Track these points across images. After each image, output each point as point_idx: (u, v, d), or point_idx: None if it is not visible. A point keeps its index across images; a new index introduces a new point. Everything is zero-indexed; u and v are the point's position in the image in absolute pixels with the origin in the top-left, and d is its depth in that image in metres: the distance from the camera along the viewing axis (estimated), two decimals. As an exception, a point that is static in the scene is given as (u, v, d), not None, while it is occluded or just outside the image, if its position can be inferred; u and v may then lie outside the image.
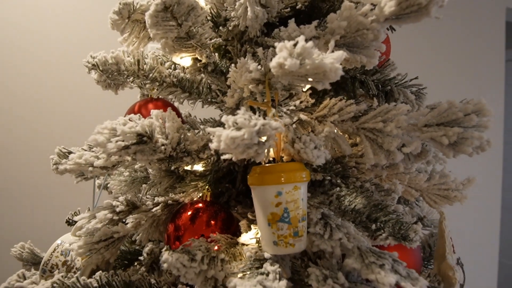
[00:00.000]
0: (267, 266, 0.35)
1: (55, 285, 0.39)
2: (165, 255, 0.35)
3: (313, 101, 0.48)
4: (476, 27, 1.84)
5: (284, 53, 0.30)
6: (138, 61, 0.46)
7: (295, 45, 0.30)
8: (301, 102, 0.48)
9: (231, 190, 0.58)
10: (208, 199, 0.51)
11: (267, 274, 0.33)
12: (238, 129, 0.30)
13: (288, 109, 0.47)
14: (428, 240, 0.72)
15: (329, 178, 0.51)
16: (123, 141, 0.35)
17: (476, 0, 1.81)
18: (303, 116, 0.47)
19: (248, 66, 0.36)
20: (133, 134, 0.36)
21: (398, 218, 0.41)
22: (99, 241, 0.47)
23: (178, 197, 0.48)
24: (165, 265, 0.36)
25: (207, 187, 0.51)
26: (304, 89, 0.48)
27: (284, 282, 0.33)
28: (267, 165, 0.38)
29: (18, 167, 1.02)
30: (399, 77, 0.52)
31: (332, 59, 0.30)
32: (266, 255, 0.37)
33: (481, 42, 1.86)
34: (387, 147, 0.42)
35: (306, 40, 0.31)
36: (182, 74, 0.49)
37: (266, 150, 0.36)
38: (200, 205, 0.50)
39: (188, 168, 0.52)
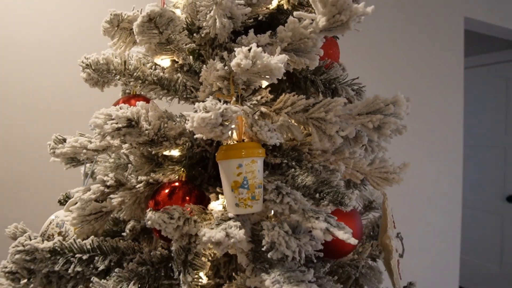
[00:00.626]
0: (231, 222, 0.45)
1: (55, 245, 0.48)
2: (149, 214, 0.45)
3: (272, 96, 0.59)
4: (437, 37, 2.01)
5: (241, 56, 0.41)
6: (125, 62, 0.55)
7: (249, 49, 0.42)
8: (261, 98, 0.59)
9: (203, 174, 0.68)
10: (183, 179, 0.61)
11: (230, 227, 0.44)
12: (207, 112, 0.41)
13: (251, 103, 0.58)
14: (377, 221, 0.84)
15: (286, 162, 0.62)
16: (116, 123, 0.45)
17: (435, 10, 1.99)
18: (263, 108, 0.58)
19: (215, 66, 0.47)
20: (124, 118, 0.45)
21: (337, 189, 0.53)
22: (90, 214, 0.56)
23: (158, 177, 0.58)
24: (149, 222, 0.46)
25: (182, 169, 0.61)
26: (263, 86, 0.59)
27: (243, 231, 0.43)
28: (231, 143, 0.48)
29: (11, 158, 1.08)
30: (342, 77, 0.64)
31: (277, 60, 0.41)
32: (230, 215, 0.47)
33: (441, 51, 2.03)
34: (328, 132, 0.53)
35: (259, 46, 0.42)
36: (161, 74, 0.59)
37: (230, 132, 0.47)
38: (177, 184, 0.59)
39: (166, 153, 0.62)
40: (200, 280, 0.53)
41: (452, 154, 2.15)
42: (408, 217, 2.01)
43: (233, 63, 0.41)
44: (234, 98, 0.47)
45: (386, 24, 1.87)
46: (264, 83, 0.59)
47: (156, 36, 0.50)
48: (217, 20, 0.52)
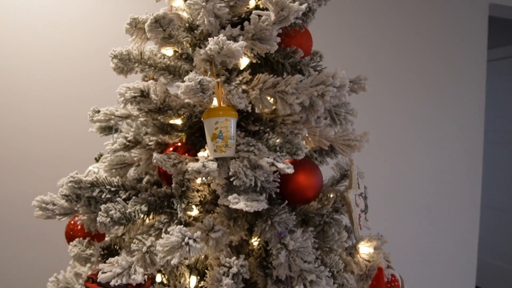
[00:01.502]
0: (208, 160, 0.66)
1: (93, 179, 0.71)
2: (154, 155, 0.67)
3: (251, 77, 0.79)
4: (459, 26, 2.03)
5: (212, 43, 0.61)
6: (141, 53, 0.78)
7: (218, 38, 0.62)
8: (243, 78, 0.79)
9: (202, 141, 0.89)
10: (184, 142, 0.82)
11: (208, 161, 0.64)
12: (190, 81, 0.62)
13: (235, 83, 0.79)
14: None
15: (262, 129, 0.81)
16: (133, 93, 0.67)
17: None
18: (244, 86, 0.78)
19: (200, 51, 0.68)
20: (138, 89, 0.68)
21: (293, 142, 0.71)
22: (116, 164, 0.79)
23: (165, 139, 0.80)
24: (154, 161, 0.67)
25: (183, 134, 0.83)
26: (242, 68, 0.79)
27: (216, 164, 0.63)
28: (212, 107, 0.69)
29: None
30: (311, 61, 0.83)
31: (237, 45, 0.61)
32: (210, 157, 0.68)
33: (463, 42, 2.05)
34: (288, 101, 0.72)
35: (233, 37, 0.62)
36: (168, 62, 0.81)
37: (209, 99, 0.67)
38: (179, 144, 0.81)
39: (171, 122, 0.83)
40: (191, 210, 0.74)
41: (471, 151, 2.16)
42: (426, 215, 2.07)
43: (207, 48, 0.62)
44: (210, 72, 0.68)
45: (405, 14, 1.93)
46: (244, 63, 0.78)
47: (161, 33, 0.72)
48: (205, 19, 0.73)
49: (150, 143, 0.78)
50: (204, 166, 0.62)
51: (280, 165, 0.61)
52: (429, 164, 2.07)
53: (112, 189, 0.72)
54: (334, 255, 0.73)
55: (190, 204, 0.73)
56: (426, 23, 1.98)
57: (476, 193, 2.20)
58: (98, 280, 0.62)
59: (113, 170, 0.79)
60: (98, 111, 0.81)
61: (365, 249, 0.77)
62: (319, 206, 0.85)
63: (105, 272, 0.60)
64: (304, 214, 0.84)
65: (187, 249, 0.56)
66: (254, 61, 0.78)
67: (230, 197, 0.61)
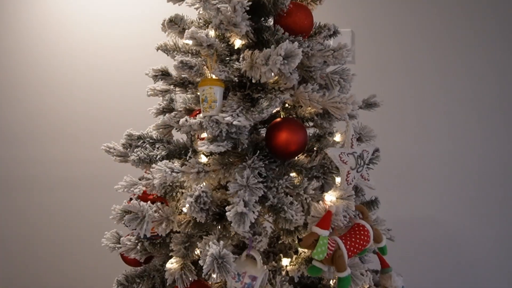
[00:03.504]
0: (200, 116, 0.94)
1: (140, 134, 1.09)
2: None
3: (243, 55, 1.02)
4: None
5: (189, 31, 0.89)
6: (175, 43, 1.12)
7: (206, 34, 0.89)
8: (236, 56, 1.03)
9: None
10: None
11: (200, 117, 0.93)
12: (176, 61, 0.92)
13: (232, 62, 1.03)
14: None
15: (259, 95, 1.03)
16: (158, 71, 1.02)
17: None
18: (237, 62, 1.02)
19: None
20: (158, 69, 1.02)
21: (262, 106, 0.92)
22: (161, 125, 1.16)
23: (192, 106, 1.12)
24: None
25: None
26: (235, 47, 1.03)
27: (196, 120, 0.92)
28: (202, 79, 0.97)
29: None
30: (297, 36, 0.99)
31: (203, 34, 0.87)
32: (203, 115, 0.96)
33: None
34: (262, 71, 0.93)
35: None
36: (189, 47, 1.12)
37: (199, 73, 0.95)
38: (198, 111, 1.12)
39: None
40: (200, 158, 1.04)
41: None
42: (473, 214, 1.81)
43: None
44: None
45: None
46: (237, 44, 1.02)
47: (177, 28, 1.03)
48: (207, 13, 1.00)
49: (180, 109, 1.12)
50: (186, 120, 0.91)
51: (227, 119, 0.84)
52: (478, 163, 1.78)
53: (151, 140, 1.09)
54: (300, 198, 0.91)
55: (198, 153, 1.03)
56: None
57: None
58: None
59: (160, 130, 1.16)
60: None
61: (329, 197, 0.91)
62: (306, 161, 1.01)
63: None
64: (292, 167, 1.02)
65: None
66: (245, 42, 1.01)
67: (199, 143, 0.88)
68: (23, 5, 2.01)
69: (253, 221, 0.79)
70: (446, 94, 1.82)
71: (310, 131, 1.14)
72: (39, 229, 2.13)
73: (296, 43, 0.86)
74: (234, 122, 0.84)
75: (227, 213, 0.78)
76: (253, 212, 0.78)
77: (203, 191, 0.87)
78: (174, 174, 0.88)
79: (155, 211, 0.92)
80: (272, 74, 0.91)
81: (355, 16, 1.82)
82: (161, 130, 1.17)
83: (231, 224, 0.78)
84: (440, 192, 1.89)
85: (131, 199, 1.04)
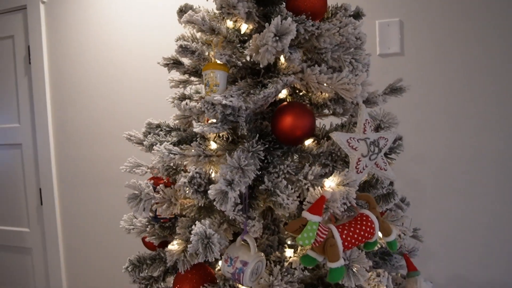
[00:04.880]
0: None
1: (158, 123, 1.16)
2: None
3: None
4: None
5: (186, 15, 0.93)
6: (192, 34, 1.17)
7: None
8: (244, 42, 1.04)
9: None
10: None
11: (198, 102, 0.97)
12: (177, 45, 0.96)
13: (238, 45, 1.05)
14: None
15: (268, 81, 1.03)
16: (166, 61, 1.08)
17: None
18: (243, 47, 1.03)
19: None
20: (170, 58, 1.08)
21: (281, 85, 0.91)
22: (180, 116, 1.22)
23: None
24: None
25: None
26: (242, 32, 1.04)
27: (197, 103, 0.95)
28: (207, 63, 1.00)
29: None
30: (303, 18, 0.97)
31: (198, 17, 0.91)
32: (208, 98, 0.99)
33: None
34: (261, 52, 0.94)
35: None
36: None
37: (202, 58, 0.99)
38: (215, 98, 1.15)
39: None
40: (210, 144, 1.07)
41: None
42: None
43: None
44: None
45: None
46: (243, 29, 1.04)
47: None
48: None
49: (196, 98, 1.17)
50: (186, 104, 0.95)
51: (217, 99, 0.86)
52: None
53: (167, 129, 1.15)
54: (299, 184, 0.88)
55: (208, 139, 1.06)
56: None
57: None
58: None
59: (181, 119, 1.22)
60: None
61: (329, 183, 0.86)
62: (314, 147, 0.98)
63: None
64: (298, 153, 0.99)
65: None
66: (252, 26, 1.02)
67: (195, 125, 0.91)
68: (88, 18, 2.28)
69: (233, 200, 0.79)
70: (503, 94, 1.61)
71: (334, 122, 1.10)
72: (103, 222, 2.36)
73: (289, 19, 0.85)
74: (224, 102, 0.85)
75: (209, 192, 0.79)
76: (234, 191, 0.78)
77: (197, 172, 0.90)
78: (171, 155, 0.92)
79: (157, 192, 0.97)
80: (271, 55, 0.91)
81: (405, 5, 1.72)
82: (180, 119, 1.23)
83: (214, 203, 0.79)
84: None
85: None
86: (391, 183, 1.12)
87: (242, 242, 0.93)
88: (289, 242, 1.07)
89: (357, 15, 1.14)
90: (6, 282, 2.70)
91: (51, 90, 2.41)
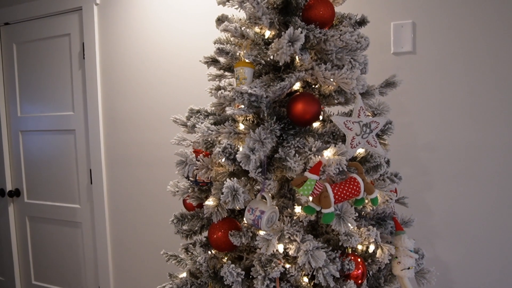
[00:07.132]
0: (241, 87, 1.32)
1: (198, 108, 1.52)
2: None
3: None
4: None
5: (223, 24, 1.28)
6: (226, 37, 1.52)
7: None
8: (268, 44, 1.38)
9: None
10: (249, 88, 1.50)
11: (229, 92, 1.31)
12: (215, 47, 1.31)
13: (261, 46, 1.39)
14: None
15: (286, 76, 1.36)
16: (206, 59, 1.44)
17: None
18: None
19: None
20: (209, 57, 1.44)
21: (296, 79, 1.24)
22: (217, 104, 1.58)
23: (237, 86, 1.51)
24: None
25: (249, 83, 1.51)
26: (265, 37, 1.38)
27: (230, 92, 1.30)
28: (237, 62, 1.34)
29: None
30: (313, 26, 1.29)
31: (230, 26, 1.25)
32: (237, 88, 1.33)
33: None
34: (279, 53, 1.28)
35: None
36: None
37: (234, 58, 1.34)
38: (244, 89, 1.50)
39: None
40: (239, 126, 1.42)
41: None
42: None
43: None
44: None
45: None
46: (267, 35, 1.37)
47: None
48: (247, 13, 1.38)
49: (228, 89, 1.52)
50: (222, 92, 1.30)
51: (244, 88, 1.20)
52: None
53: (205, 113, 1.51)
54: (305, 154, 1.21)
55: (237, 122, 1.41)
56: None
57: None
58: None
59: (216, 106, 1.58)
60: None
61: (326, 153, 1.19)
62: (319, 128, 1.30)
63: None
64: (307, 133, 1.32)
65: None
66: (274, 32, 1.36)
67: (227, 108, 1.26)
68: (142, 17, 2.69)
69: (254, 162, 1.13)
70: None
71: (341, 110, 1.42)
72: (146, 199, 2.78)
73: (298, 30, 1.18)
74: (249, 91, 1.20)
75: (237, 155, 1.14)
76: (255, 155, 1.12)
77: (228, 144, 1.25)
78: (209, 131, 1.28)
79: (198, 160, 1.33)
80: (286, 56, 1.24)
81: (418, 8, 1.99)
82: (216, 106, 1.59)
83: (240, 164, 1.14)
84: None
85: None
86: (388, 162, 1.43)
87: (261, 198, 1.27)
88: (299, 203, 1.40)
89: (362, 21, 1.45)
90: (59, 251, 3.19)
91: (102, 82, 2.85)
